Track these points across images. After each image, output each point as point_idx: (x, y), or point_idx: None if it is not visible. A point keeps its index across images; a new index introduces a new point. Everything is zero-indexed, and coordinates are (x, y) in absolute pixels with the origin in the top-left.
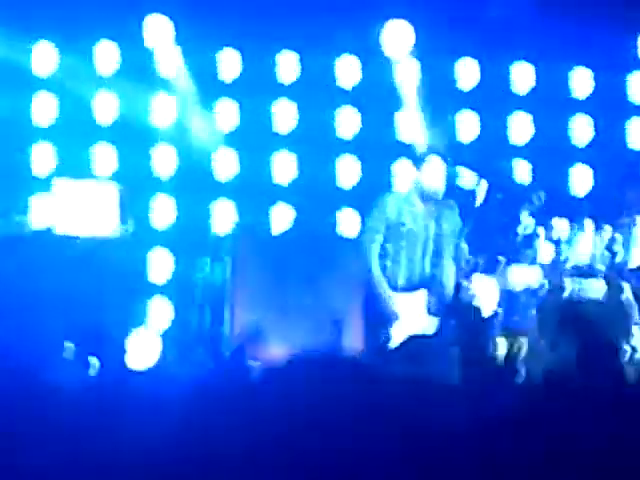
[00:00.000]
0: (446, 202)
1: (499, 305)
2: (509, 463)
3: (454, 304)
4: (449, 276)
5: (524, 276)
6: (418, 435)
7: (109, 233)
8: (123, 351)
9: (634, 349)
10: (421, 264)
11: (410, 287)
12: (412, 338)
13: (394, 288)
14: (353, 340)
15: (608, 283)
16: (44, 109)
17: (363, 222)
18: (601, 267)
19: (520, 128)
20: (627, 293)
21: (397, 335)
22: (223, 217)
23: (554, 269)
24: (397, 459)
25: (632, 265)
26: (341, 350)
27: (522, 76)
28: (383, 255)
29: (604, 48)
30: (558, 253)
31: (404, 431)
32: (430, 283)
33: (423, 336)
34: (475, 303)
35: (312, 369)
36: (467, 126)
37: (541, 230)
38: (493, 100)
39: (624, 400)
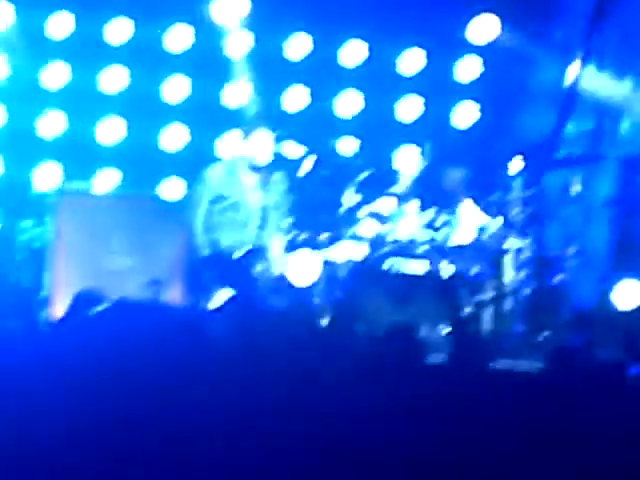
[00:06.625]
0: (273, 174)
1: (320, 279)
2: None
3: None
4: (273, 247)
5: (346, 252)
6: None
7: None
8: None
9: (458, 324)
10: (246, 235)
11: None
12: (232, 300)
13: (218, 256)
14: (175, 299)
15: (429, 262)
16: None
17: (188, 189)
18: (423, 246)
19: (348, 104)
20: (447, 272)
21: (218, 297)
22: (47, 179)
23: (376, 246)
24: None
25: (453, 244)
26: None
27: (353, 53)
28: (208, 225)
29: (435, 29)
30: (381, 231)
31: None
32: (255, 254)
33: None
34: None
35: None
36: (295, 99)
37: (366, 207)
38: (323, 75)
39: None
